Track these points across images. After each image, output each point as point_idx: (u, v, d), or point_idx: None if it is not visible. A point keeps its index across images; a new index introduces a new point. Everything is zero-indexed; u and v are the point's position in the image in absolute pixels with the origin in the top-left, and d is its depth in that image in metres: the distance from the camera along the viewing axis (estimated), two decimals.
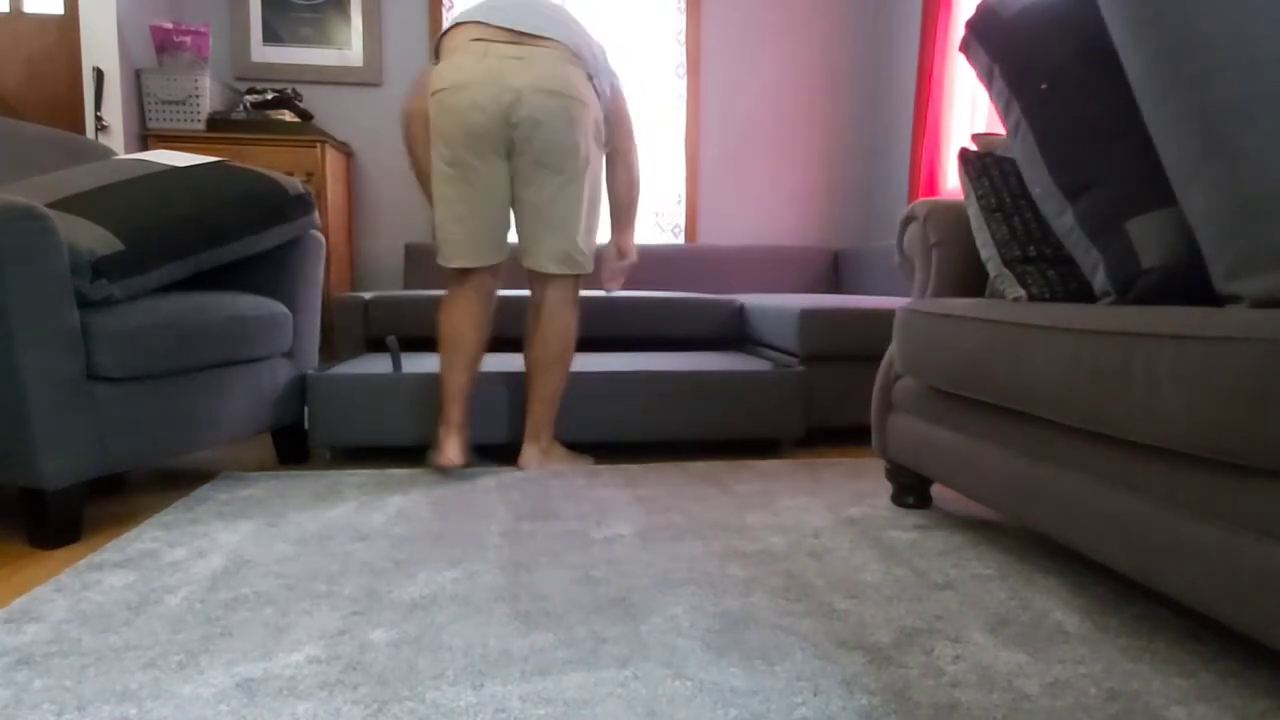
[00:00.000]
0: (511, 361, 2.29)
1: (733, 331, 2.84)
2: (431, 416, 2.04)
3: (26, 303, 1.34)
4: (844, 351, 2.29)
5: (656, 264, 3.45)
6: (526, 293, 2.52)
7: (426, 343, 2.67)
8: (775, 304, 2.49)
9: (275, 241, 1.91)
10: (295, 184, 1.93)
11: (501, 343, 2.52)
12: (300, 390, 2.05)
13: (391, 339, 2.12)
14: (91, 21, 2.75)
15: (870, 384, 2.32)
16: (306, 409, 2.01)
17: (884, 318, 2.29)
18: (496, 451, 2.19)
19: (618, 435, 2.14)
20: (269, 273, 2.00)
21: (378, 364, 2.24)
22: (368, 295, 2.66)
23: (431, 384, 2.04)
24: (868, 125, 3.79)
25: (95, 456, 1.45)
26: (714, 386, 2.16)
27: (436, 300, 2.63)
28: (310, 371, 2.00)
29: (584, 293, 2.71)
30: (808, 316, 2.26)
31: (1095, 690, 0.94)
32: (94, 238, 1.50)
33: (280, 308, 1.96)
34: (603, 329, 2.72)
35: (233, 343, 1.78)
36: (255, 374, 1.88)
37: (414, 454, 2.18)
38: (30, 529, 1.42)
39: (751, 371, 2.19)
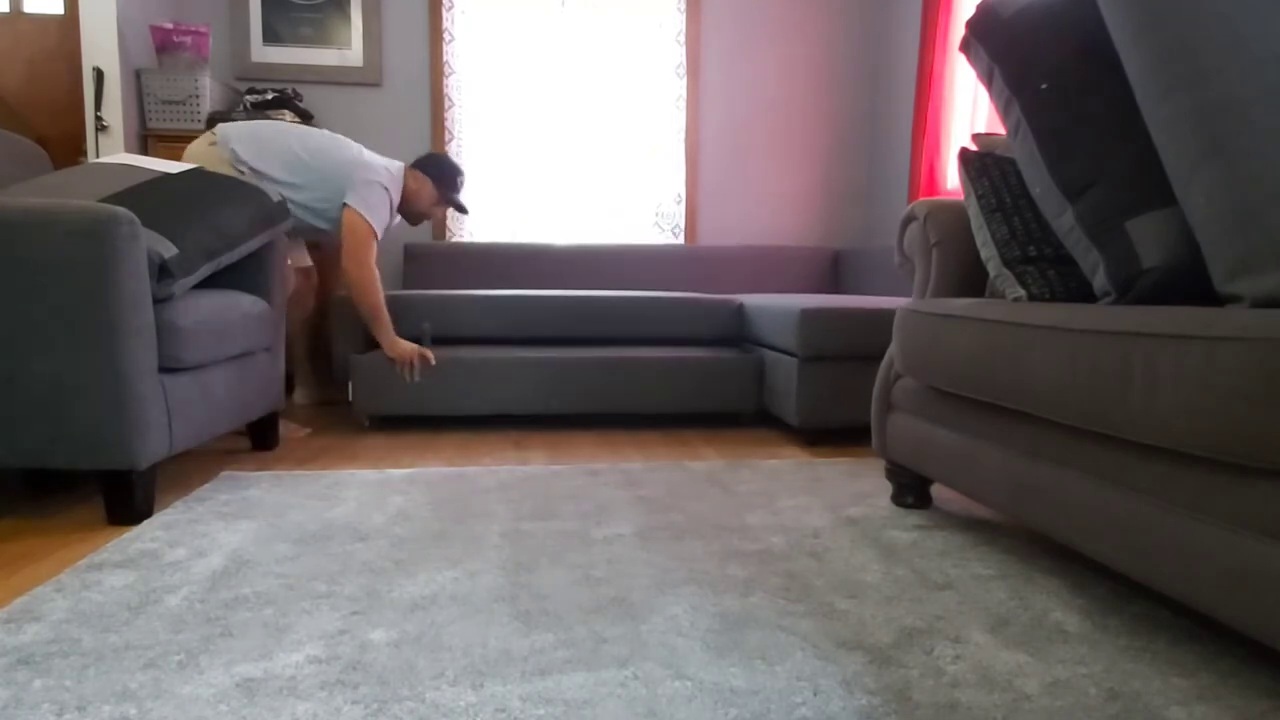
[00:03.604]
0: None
1: (733, 332, 2.84)
2: (457, 391, 2.47)
3: (124, 300, 1.48)
4: (844, 351, 2.29)
5: (657, 264, 3.45)
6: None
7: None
8: (775, 303, 2.49)
9: (263, 243, 2.05)
10: (275, 190, 2.09)
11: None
12: (278, 381, 2.24)
13: (425, 325, 2.44)
14: (91, 21, 2.75)
15: (870, 384, 2.32)
16: (350, 384, 2.46)
17: (884, 318, 2.29)
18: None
19: (611, 408, 2.55)
20: (249, 272, 2.12)
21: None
22: None
23: (455, 365, 2.46)
24: (868, 125, 3.79)
25: (165, 440, 1.59)
26: (686, 369, 2.58)
27: (438, 299, 2.64)
28: (354, 354, 2.31)
29: (585, 292, 2.76)
30: (807, 316, 2.26)
31: (1095, 690, 0.94)
32: (154, 240, 1.62)
33: (265, 305, 2.11)
34: (603, 328, 2.73)
35: (246, 337, 1.97)
36: (253, 365, 2.04)
37: (441, 422, 2.60)
38: (112, 507, 1.54)
39: (716, 358, 2.58)
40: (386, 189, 2.46)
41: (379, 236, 2.44)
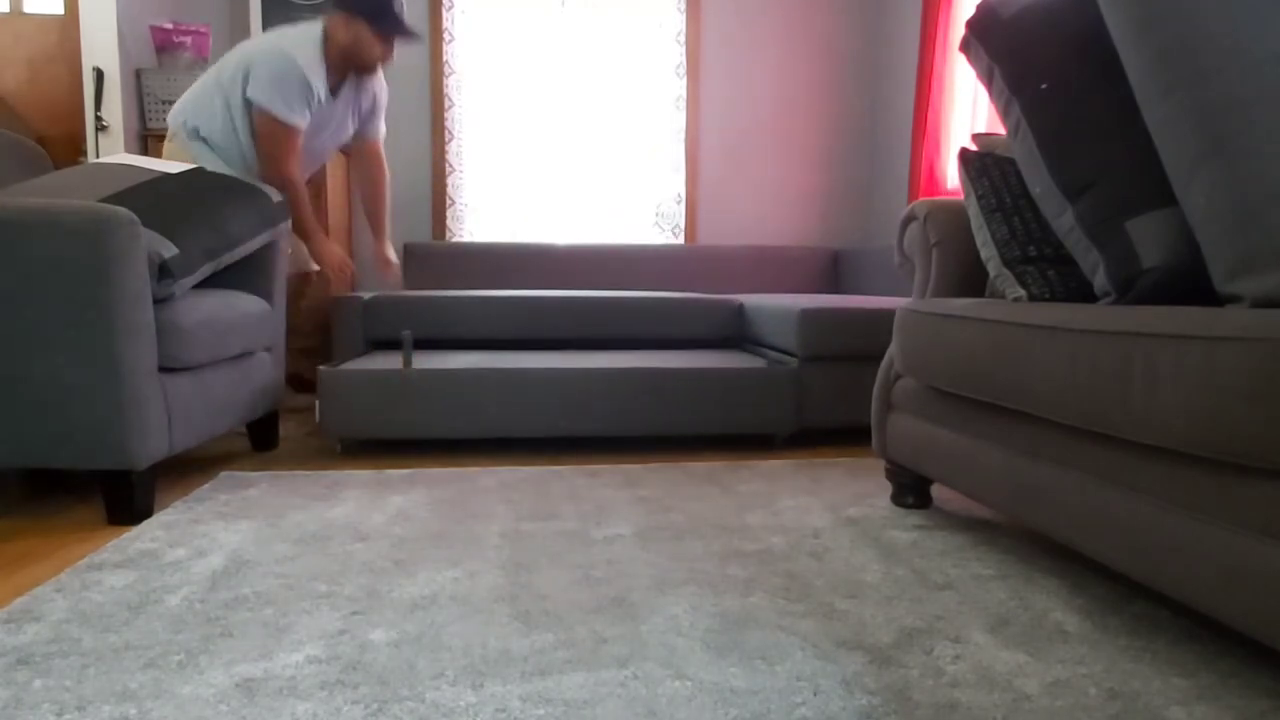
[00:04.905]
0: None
1: (733, 331, 2.84)
2: (440, 411, 2.12)
3: (124, 300, 1.47)
4: (844, 351, 2.29)
5: (656, 264, 3.45)
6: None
7: (427, 343, 2.68)
8: (775, 304, 2.49)
9: (264, 243, 2.03)
10: (275, 191, 2.07)
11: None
12: (278, 381, 2.17)
13: (407, 334, 2.18)
14: (91, 21, 2.75)
15: (870, 384, 2.32)
16: (316, 402, 2.10)
17: (884, 318, 2.29)
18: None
19: (618, 430, 2.20)
20: (249, 272, 2.11)
21: (387, 360, 2.30)
22: (367, 295, 2.65)
23: (441, 380, 2.11)
24: (868, 125, 3.79)
25: (165, 440, 1.59)
26: (710, 383, 2.22)
27: (437, 301, 2.63)
28: (322, 367, 2.09)
29: (584, 292, 2.72)
30: (807, 316, 2.26)
31: (1095, 690, 0.94)
32: (154, 240, 1.62)
33: (266, 305, 2.10)
34: (603, 329, 2.73)
35: (247, 337, 1.96)
36: (252, 365, 2.03)
37: (422, 447, 2.23)
38: (112, 508, 1.54)
39: (746, 369, 2.24)
40: (290, 55, 2.04)
41: (294, 124, 2.05)
